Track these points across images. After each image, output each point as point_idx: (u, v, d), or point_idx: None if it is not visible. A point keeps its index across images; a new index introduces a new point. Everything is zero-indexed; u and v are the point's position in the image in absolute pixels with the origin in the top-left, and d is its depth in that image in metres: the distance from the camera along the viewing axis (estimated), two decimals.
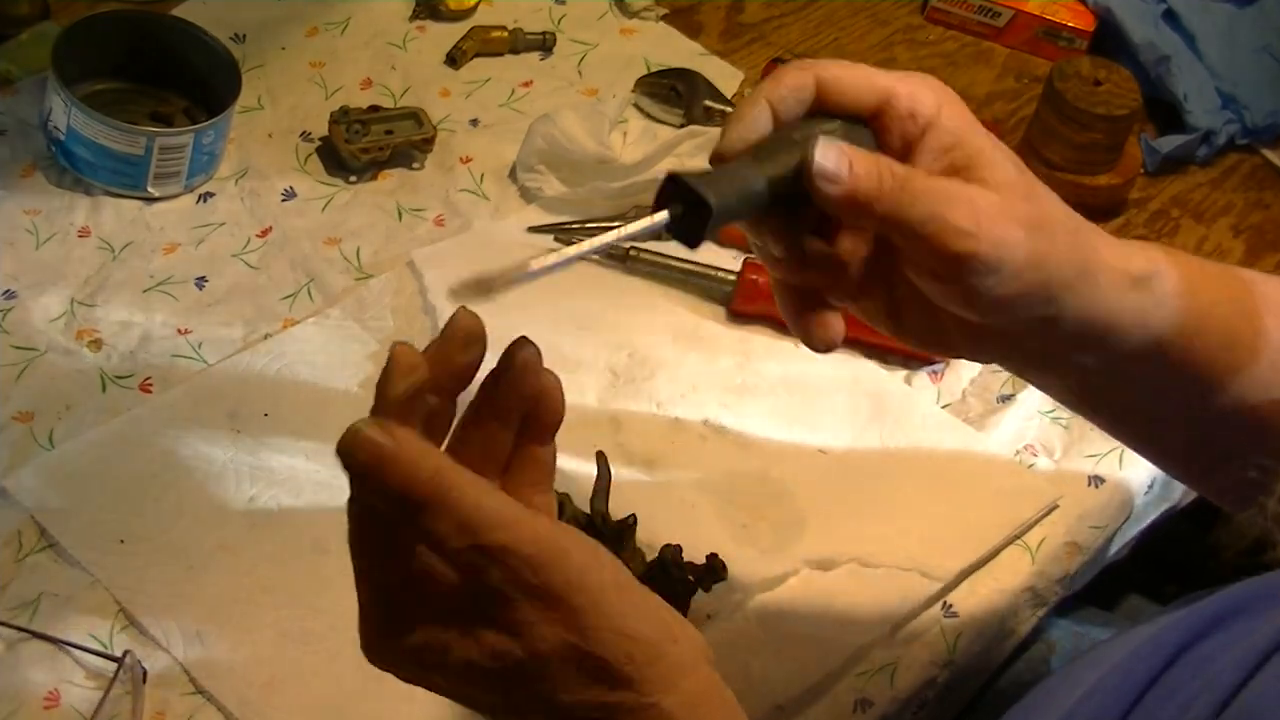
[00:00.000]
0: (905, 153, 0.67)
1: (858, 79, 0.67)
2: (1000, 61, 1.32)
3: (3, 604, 0.82)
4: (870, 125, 0.64)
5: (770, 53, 1.27)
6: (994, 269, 0.61)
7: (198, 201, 1.07)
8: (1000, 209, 0.62)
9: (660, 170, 1.11)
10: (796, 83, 0.66)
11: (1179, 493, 1.06)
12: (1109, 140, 1.15)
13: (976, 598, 0.92)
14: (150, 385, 0.95)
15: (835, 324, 0.67)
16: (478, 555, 0.52)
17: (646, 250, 1.06)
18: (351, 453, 0.52)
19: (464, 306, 0.54)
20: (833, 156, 0.63)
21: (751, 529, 0.91)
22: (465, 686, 0.57)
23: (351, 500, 0.55)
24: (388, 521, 0.54)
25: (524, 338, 0.56)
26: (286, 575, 0.85)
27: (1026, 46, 1.32)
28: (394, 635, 0.56)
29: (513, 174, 1.12)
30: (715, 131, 1.14)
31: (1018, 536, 0.95)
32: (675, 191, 0.57)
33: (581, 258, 0.54)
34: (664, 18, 1.28)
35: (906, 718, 0.88)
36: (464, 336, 0.55)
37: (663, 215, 0.57)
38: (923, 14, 1.34)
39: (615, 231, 0.57)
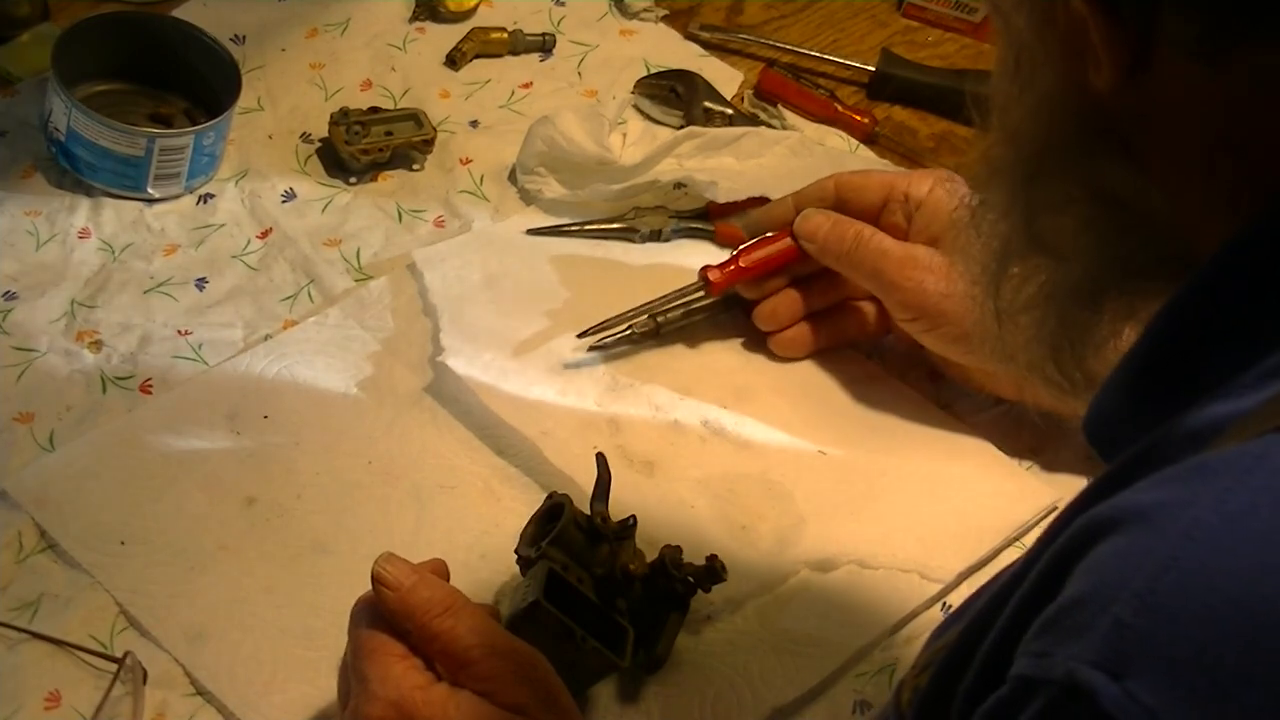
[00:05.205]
0: (905, 227, 0.94)
1: (868, 181, 0.95)
2: None
3: (3, 605, 0.82)
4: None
5: (771, 54, 1.27)
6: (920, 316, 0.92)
7: (198, 203, 1.07)
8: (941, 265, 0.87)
9: (660, 172, 1.11)
10: (820, 191, 0.97)
11: None
12: None
13: None
14: (150, 386, 0.95)
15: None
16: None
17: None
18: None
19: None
20: (811, 223, 0.95)
21: (751, 531, 0.92)
22: None
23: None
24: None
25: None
26: (286, 575, 0.85)
27: None
28: None
29: (512, 176, 1.12)
30: (714, 132, 1.14)
31: (1017, 538, 0.95)
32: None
33: None
34: (663, 18, 1.28)
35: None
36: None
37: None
38: (899, 10, 1.33)
39: None
